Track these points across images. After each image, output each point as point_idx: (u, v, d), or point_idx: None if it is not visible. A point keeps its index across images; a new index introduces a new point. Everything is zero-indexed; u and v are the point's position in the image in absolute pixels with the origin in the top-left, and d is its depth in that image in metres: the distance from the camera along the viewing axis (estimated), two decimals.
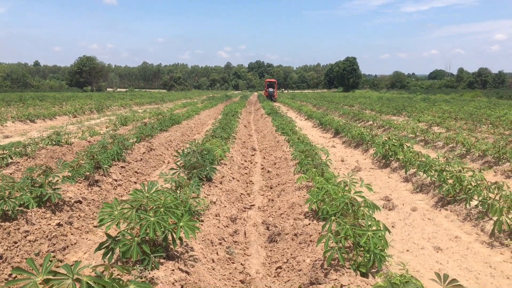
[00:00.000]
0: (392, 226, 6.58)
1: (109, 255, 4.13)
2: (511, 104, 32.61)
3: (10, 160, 9.59)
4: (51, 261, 2.96)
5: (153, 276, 3.93)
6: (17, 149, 10.06)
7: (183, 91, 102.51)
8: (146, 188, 4.78)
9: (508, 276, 4.88)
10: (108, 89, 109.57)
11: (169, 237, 4.50)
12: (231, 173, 9.67)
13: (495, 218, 5.83)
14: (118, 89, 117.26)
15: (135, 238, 4.10)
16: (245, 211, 7.51)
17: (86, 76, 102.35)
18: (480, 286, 4.68)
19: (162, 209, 4.43)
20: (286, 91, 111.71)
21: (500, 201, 6.01)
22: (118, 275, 3.88)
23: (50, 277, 2.79)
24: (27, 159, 10.00)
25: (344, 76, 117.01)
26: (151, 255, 4.14)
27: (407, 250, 5.66)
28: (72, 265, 2.89)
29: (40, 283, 2.73)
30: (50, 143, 11.68)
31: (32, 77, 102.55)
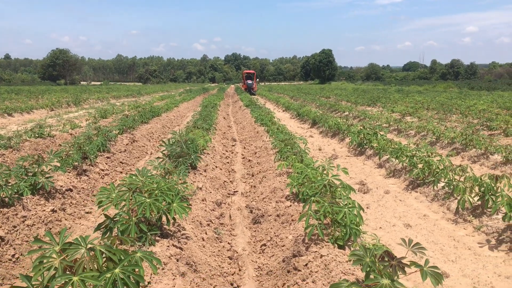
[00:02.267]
0: (367, 207, 7.10)
1: (107, 235, 4.48)
2: (481, 95, 33.77)
3: None
4: (66, 234, 3.33)
5: (153, 252, 4.30)
6: (1, 141, 10.22)
7: (159, 84, 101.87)
8: (140, 173, 5.13)
9: (469, 247, 5.44)
10: (82, 83, 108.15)
11: (163, 217, 4.89)
12: (214, 162, 10.05)
13: (459, 198, 6.38)
14: (93, 82, 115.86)
15: (133, 218, 4.46)
16: (229, 196, 7.92)
17: (59, 69, 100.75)
18: (444, 256, 5.22)
19: (156, 192, 4.80)
20: (262, 83, 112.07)
21: (465, 182, 6.56)
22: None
23: (66, 247, 3.17)
24: (12, 151, 10.17)
25: (320, 68, 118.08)
26: (148, 233, 4.52)
27: (380, 227, 6.18)
28: (84, 238, 3.27)
29: (58, 252, 3.10)
30: (33, 135, 11.82)
31: (3, 70, 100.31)
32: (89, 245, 3.20)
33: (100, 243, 3.46)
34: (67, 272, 3.02)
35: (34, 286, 2.90)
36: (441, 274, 3.29)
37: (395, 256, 3.44)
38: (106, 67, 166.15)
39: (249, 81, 51.69)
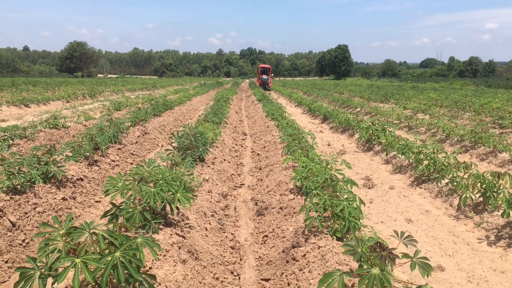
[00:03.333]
0: (370, 202, 7.19)
1: (113, 222, 4.65)
2: (497, 93, 33.38)
3: (11, 142, 10.03)
4: (71, 219, 3.50)
5: (154, 239, 4.47)
6: (17, 132, 10.51)
7: (174, 78, 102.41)
8: (147, 163, 5.30)
9: (468, 242, 5.51)
10: (98, 75, 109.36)
11: (167, 207, 5.05)
12: (223, 155, 10.21)
13: (461, 194, 6.43)
14: (109, 75, 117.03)
15: (138, 206, 4.63)
16: (235, 189, 8.07)
17: (76, 62, 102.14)
18: (442, 250, 5.30)
19: (161, 181, 4.96)
20: (277, 78, 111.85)
21: (468, 179, 6.61)
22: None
23: (71, 231, 3.34)
24: (27, 141, 10.44)
25: (335, 64, 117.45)
26: (152, 221, 4.68)
27: (382, 222, 6.27)
28: (88, 223, 3.45)
29: (63, 235, 3.27)
30: (48, 126, 12.11)
31: (21, 62, 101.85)
32: (93, 230, 3.38)
33: (104, 228, 3.63)
34: (71, 255, 3.19)
35: (40, 267, 3.06)
36: (430, 265, 3.39)
37: (387, 247, 3.55)
38: (123, 60, 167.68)
39: (264, 76, 49.13)
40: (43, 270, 3.06)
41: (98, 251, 3.23)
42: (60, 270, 3.03)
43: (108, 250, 3.33)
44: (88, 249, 3.21)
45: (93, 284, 3.20)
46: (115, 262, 3.14)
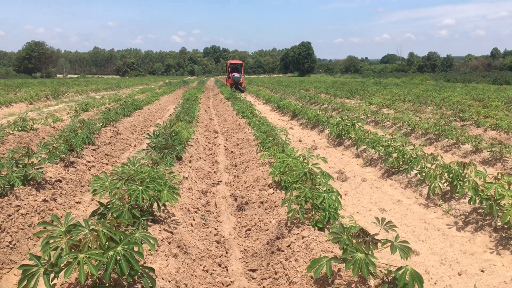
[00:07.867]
0: (345, 194, 7.52)
1: (110, 219, 4.75)
2: (455, 87, 34.71)
3: None
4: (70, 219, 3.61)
5: (150, 233, 4.60)
6: None
7: (138, 77, 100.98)
8: (131, 162, 5.41)
9: (438, 228, 5.89)
10: (58, 75, 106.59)
11: (154, 204, 5.19)
12: (198, 154, 10.34)
13: (430, 184, 6.83)
14: (69, 75, 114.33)
15: (126, 204, 4.75)
16: (213, 186, 8.24)
17: (35, 62, 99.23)
18: (415, 236, 5.66)
19: (148, 180, 5.09)
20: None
21: (435, 169, 7.02)
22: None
23: (71, 229, 3.46)
24: None
25: (299, 61, 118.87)
26: (141, 218, 4.81)
27: (357, 212, 6.60)
28: (86, 220, 3.57)
29: (64, 232, 3.39)
30: (16, 128, 11.90)
31: None
32: (92, 227, 3.50)
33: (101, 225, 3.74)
34: (73, 251, 3.31)
35: (43, 264, 3.16)
36: (410, 247, 3.68)
37: (369, 233, 3.83)
38: (83, 59, 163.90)
39: (236, 74, 40.61)
40: (46, 267, 3.16)
41: (100, 246, 3.36)
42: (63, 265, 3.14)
43: (108, 245, 3.47)
44: (90, 245, 3.34)
45: (97, 277, 3.34)
46: (117, 256, 3.28)
